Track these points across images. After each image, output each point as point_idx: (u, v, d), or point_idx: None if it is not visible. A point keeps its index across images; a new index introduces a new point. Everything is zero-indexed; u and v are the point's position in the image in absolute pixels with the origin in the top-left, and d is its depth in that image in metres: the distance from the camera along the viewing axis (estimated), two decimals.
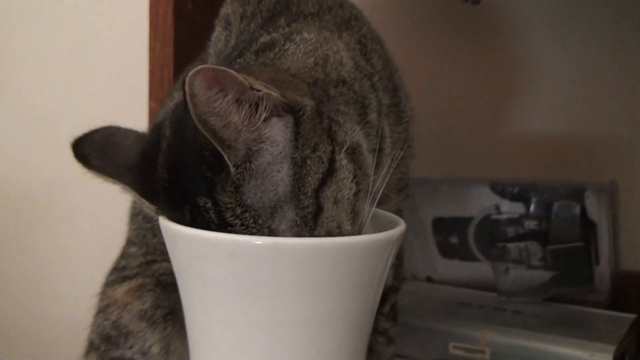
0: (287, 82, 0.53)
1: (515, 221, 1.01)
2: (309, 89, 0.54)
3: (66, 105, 1.26)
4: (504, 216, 1.02)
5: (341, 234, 0.51)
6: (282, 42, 0.59)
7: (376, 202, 0.54)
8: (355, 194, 0.52)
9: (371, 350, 0.59)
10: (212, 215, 0.50)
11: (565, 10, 1.05)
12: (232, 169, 0.48)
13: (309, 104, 0.52)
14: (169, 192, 0.52)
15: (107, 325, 0.69)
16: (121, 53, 1.12)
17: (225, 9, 0.70)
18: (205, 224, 0.50)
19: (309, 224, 0.49)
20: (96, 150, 0.54)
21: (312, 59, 0.58)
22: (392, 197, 0.68)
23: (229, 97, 0.47)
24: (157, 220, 0.55)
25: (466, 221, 1.04)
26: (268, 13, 0.66)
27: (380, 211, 0.61)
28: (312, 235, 0.50)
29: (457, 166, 1.09)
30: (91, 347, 0.71)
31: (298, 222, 0.49)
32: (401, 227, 0.55)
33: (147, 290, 0.68)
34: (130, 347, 0.67)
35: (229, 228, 0.49)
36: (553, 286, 1.00)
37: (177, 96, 0.73)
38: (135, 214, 0.74)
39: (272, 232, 0.49)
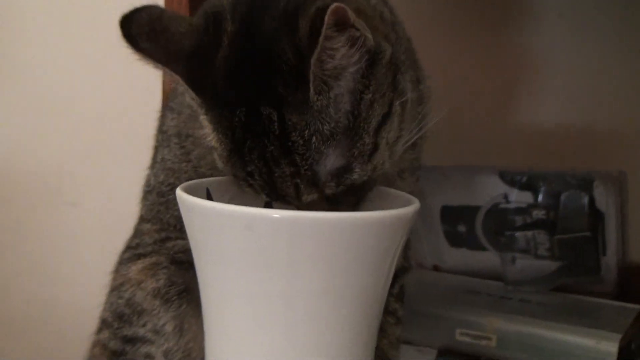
0: (371, 19, 0.54)
1: (523, 210, 1.01)
2: (386, 32, 0.56)
3: (77, 91, 1.26)
4: (512, 205, 1.02)
5: (382, 169, 0.55)
6: None
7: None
8: (397, 139, 0.56)
9: (380, 329, 0.59)
10: (275, 127, 0.51)
11: (580, 3, 1.05)
12: (313, 92, 0.50)
13: (388, 50, 0.53)
14: (224, 90, 0.53)
15: (120, 303, 0.69)
16: None
17: None
18: (263, 133, 0.52)
19: (365, 159, 0.53)
20: (145, 31, 0.53)
21: (378, 13, 0.59)
22: (407, 177, 0.69)
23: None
24: (171, 192, 0.55)
25: (474, 210, 1.04)
26: None
27: (395, 191, 0.61)
28: (362, 169, 0.53)
29: (466, 154, 1.08)
30: (104, 324, 0.70)
31: (355, 154, 0.52)
32: (415, 205, 0.55)
33: (161, 268, 0.68)
34: (144, 325, 0.67)
35: (289, 143, 0.51)
36: (560, 276, 1.00)
37: None
38: (149, 191, 0.74)
39: (326, 159, 0.52)
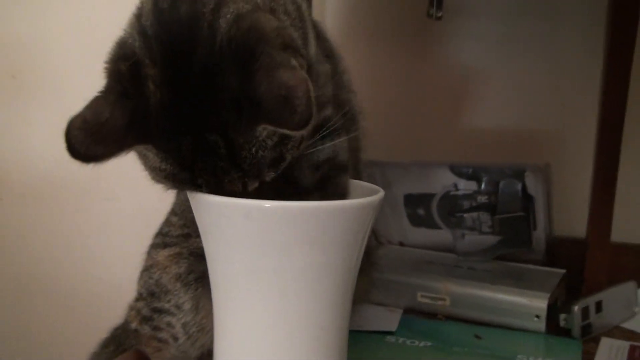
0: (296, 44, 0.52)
1: (470, 196, 1.02)
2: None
3: None
4: (460, 192, 1.03)
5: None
6: None
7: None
8: None
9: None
10: (222, 150, 0.48)
11: (510, 29, 1.06)
12: (261, 128, 0.47)
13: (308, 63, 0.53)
14: (167, 126, 0.47)
15: (151, 283, 0.70)
16: None
17: None
18: (213, 154, 0.48)
19: (296, 148, 0.50)
20: (88, 142, 0.45)
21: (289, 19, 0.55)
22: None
23: None
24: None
25: (431, 196, 1.05)
26: None
27: (364, 183, 0.61)
28: (292, 155, 0.50)
29: (424, 152, 1.10)
30: (140, 296, 0.72)
31: (289, 148, 0.50)
32: (381, 193, 0.56)
33: (183, 257, 0.68)
34: (168, 301, 0.68)
35: (237, 160, 0.48)
36: (500, 248, 1.02)
37: None
38: (178, 193, 0.73)
39: (268, 158, 0.49)
